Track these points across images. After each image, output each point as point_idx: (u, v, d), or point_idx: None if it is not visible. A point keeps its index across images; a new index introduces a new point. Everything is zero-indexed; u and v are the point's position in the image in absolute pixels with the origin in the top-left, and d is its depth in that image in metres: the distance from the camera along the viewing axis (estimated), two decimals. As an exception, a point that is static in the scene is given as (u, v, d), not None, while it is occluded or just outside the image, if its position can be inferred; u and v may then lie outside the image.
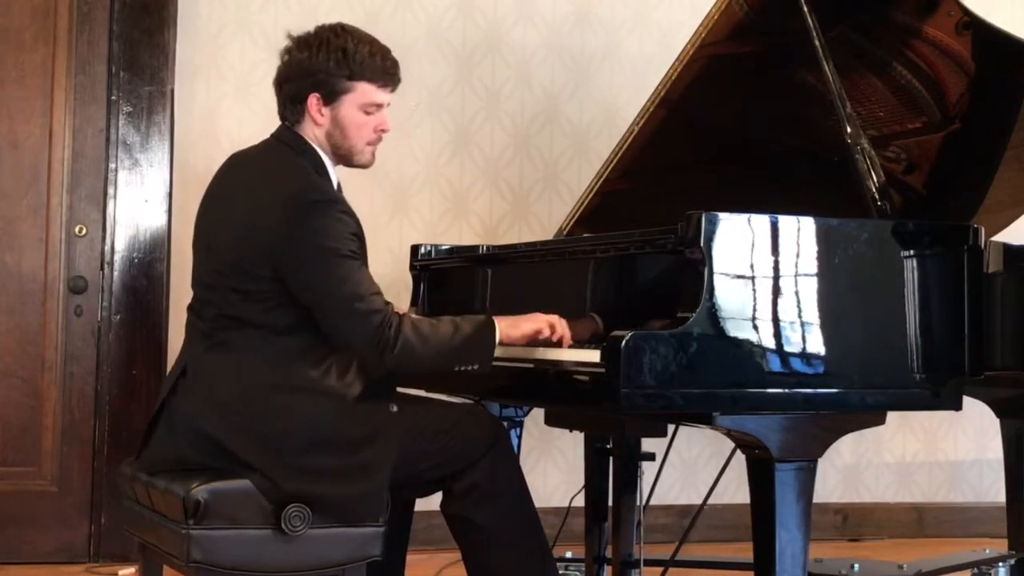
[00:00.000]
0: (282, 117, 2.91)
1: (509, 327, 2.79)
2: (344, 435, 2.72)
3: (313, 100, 2.83)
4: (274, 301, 2.73)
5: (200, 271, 2.88)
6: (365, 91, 2.84)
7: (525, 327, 2.80)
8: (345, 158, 2.89)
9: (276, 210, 2.71)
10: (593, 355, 2.59)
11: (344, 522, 2.70)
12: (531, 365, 2.84)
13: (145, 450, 2.87)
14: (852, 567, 3.68)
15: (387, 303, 2.73)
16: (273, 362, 2.73)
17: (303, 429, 2.69)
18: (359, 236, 2.77)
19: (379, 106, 2.86)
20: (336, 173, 2.91)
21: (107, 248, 4.47)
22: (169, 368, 3.98)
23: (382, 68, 2.85)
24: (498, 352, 2.85)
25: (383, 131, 2.89)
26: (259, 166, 2.88)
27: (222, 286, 2.78)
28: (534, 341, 2.81)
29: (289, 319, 2.74)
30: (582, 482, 3.63)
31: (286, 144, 2.87)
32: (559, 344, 2.81)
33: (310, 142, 2.86)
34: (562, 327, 2.82)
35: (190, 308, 2.89)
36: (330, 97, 2.83)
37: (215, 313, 2.79)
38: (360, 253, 2.76)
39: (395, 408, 2.79)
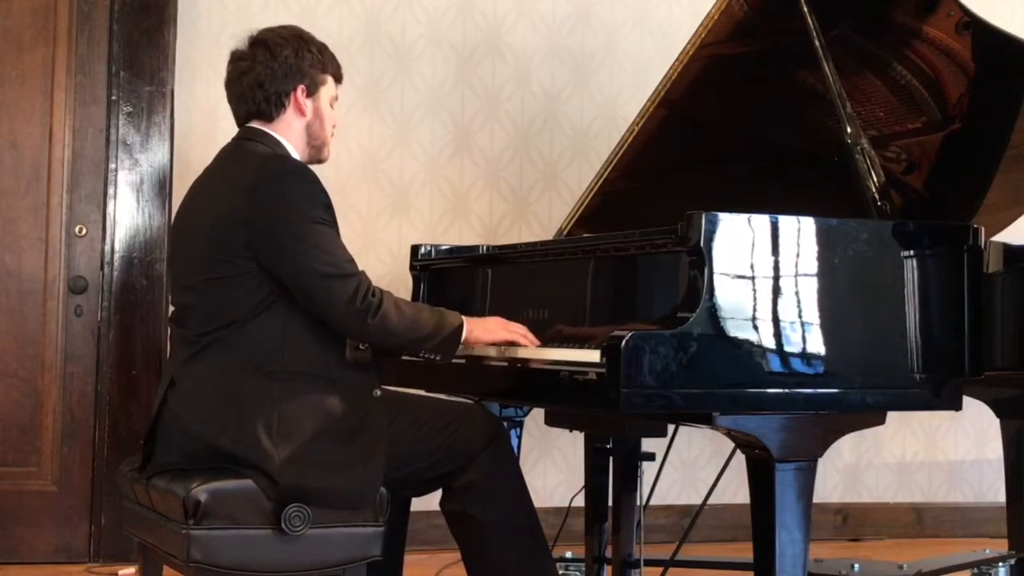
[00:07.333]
0: (249, 117, 2.94)
1: (481, 330, 2.86)
2: (334, 422, 2.72)
3: (299, 92, 2.91)
4: (253, 284, 2.73)
5: (178, 278, 2.90)
6: (331, 85, 2.98)
7: (498, 335, 2.87)
8: (317, 150, 2.97)
9: (247, 184, 2.76)
10: (593, 355, 2.59)
11: (344, 510, 2.69)
12: (531, 365, 2.84)
13: (148, 465, 2.86)
14: (852, 567, 3.68)
15: (361, 271, 2.77)
16: (257, 352, 2.73)
17: (293, 415, 2.69)
18: (330, 207, 2.80)
19: (336, 99, 3.00)
20: None
21: (107, 248, 4.47)
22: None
23: (338, 65, 3.00)
24: (497, 352, 2.87)
25: (334, 126, 3.01)
26: (225, 161, 2.93)
27: (200, 281, 2.78)
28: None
29: (270, 303, 2.74)
30: (582, 482, 3.62)
31: (248, 139, 2.92)
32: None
33: (276, 135, 2.90)
34: (530, 338, 2.89)
35: (171, 319, 2.90)
36: (312, 89, 2.93)
37: (197, 317, 2.78)
38: (333, 222, 2.80)
39: (378, 393, 2.80)
